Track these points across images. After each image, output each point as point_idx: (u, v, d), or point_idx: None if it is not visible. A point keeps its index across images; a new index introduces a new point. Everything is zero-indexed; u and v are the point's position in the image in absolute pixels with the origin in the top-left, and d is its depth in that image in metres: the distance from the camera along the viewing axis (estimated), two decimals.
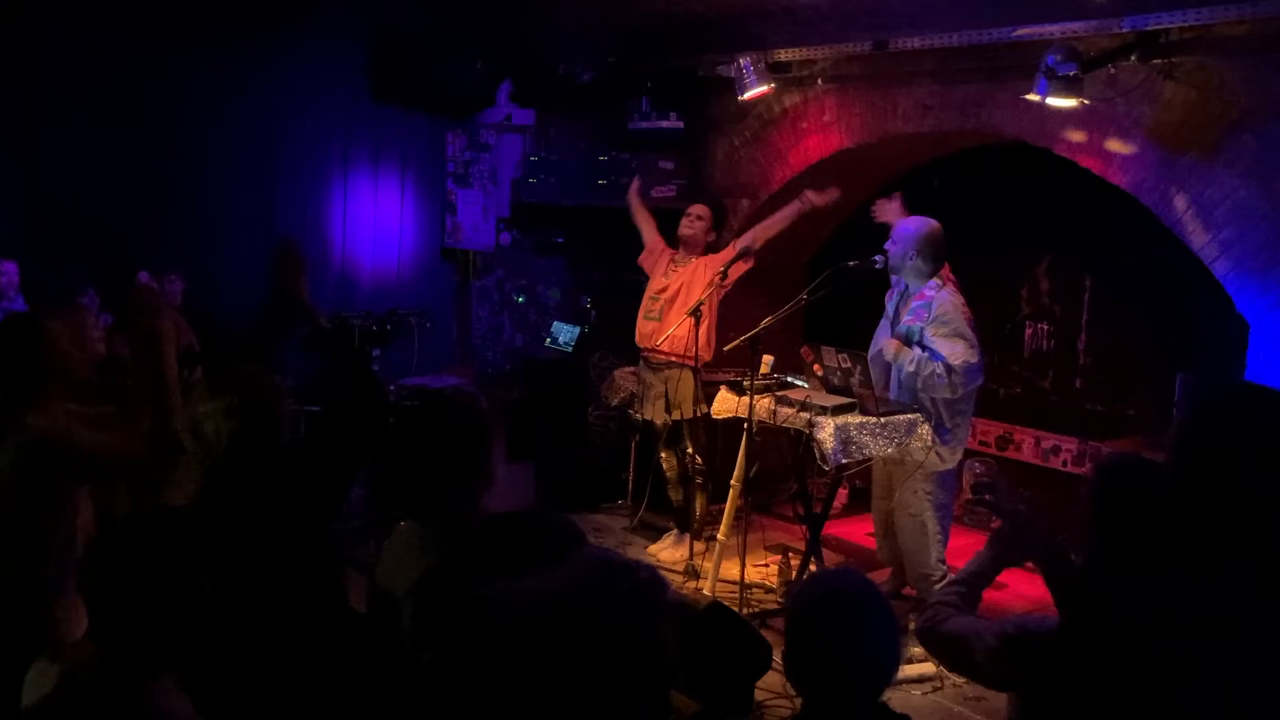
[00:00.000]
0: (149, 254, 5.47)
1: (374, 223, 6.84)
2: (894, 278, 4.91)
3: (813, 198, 5.46)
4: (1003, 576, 5.28)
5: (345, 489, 3.39)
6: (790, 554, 5.36)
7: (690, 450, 5.68)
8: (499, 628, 1.53)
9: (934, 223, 4.77)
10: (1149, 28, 4.37)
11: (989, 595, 2.37)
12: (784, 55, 5.92)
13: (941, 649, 2.24)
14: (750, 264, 5.50)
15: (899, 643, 1.93)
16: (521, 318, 7.18)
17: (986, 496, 2.43)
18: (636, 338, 5.74)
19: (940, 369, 4.54)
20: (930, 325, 4.61)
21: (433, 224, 7.13)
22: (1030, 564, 2.38)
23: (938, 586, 4.71)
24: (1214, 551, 1.84)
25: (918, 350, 4.63)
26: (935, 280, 4.71)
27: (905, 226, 4.81)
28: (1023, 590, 5.12)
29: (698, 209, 5.78)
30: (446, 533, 2.24)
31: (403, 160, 6.96)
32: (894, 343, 4.72)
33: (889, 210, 5.12)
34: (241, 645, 2.55)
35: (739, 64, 5.89)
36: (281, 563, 2.57)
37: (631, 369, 5.92)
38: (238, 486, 2.60)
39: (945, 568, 4.78)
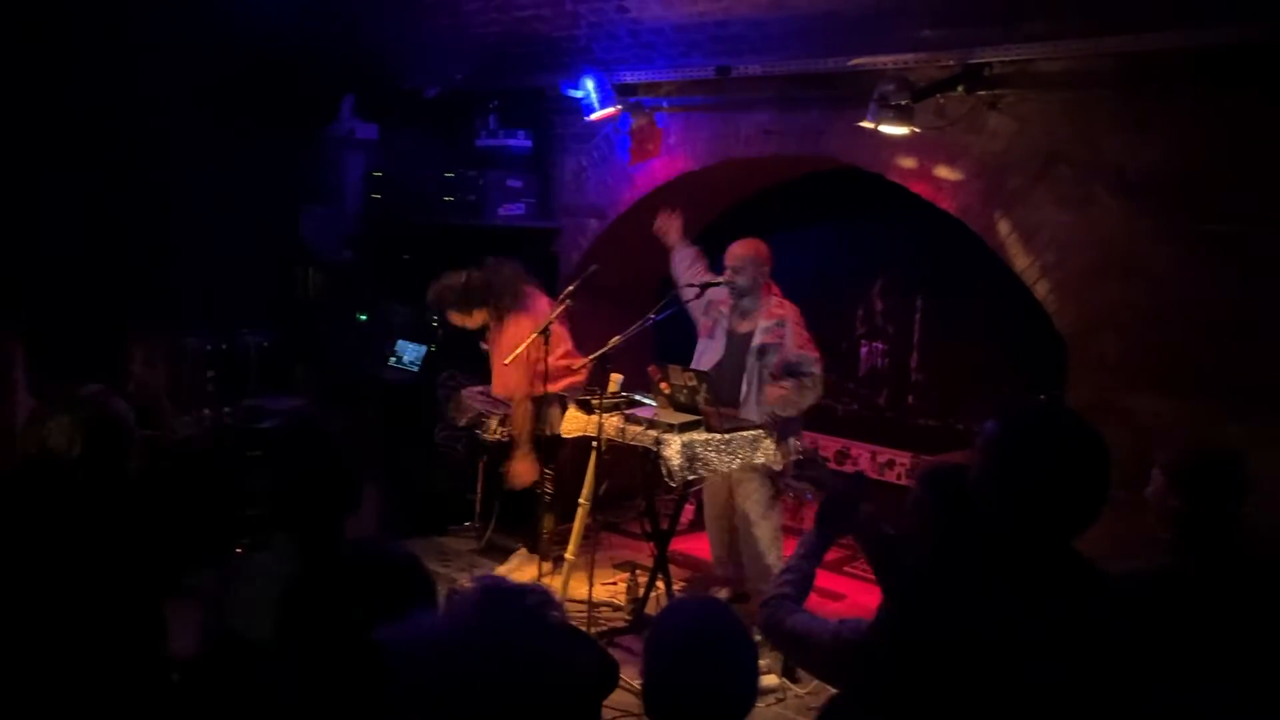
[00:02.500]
0: None
1: (215, 236, 6.58)
2: (713, 296, 5.16)
3: None
4: (842, 586, 5.46)
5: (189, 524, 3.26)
6: (638, 571, 5.39)
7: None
8: (401, 675, 1.48)
9: (759, 240, 5.11)
10: (974, 61, 4.61)
11: (830, 606, 2.45)
12: (629, 78, 6.00)
13: (783, 644, 2.36)
14: None
15: (758, 672, 1.98)
16: (365, 336, 7.00)
17: (808, 471, 2.52)
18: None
19: (809, 381, 4.92)
20: (792, 341, 4.95)
21: (274, 239, 6.91)
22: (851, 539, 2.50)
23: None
24: (1013, 559, 1.95)
25: (788, 382, 4.94)
26: (773, 296, 5.03)
27: (742, 251, 5.03)
28: (860, 600, 5.27)
29: None
30: (311, 565, 2.17)
31: (246, 173, 6.72)
32: (776, 392, 4.95)
33: (671, 226, 5.45)
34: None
35: (585, 85, 5.93)
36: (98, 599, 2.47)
37: (480, 388, 5.84)
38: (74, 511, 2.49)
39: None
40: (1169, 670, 2.43)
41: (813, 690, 4.40)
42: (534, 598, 1.58)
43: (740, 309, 5.08)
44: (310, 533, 2.32)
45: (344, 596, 1.75)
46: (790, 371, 4.96)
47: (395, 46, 6.75)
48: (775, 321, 4.97)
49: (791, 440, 4.98)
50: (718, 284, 5.06)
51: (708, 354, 5.16)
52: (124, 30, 6.01)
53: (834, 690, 2.40)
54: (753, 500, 4.96)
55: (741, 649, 1.91)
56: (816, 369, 4.96)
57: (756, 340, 4.98)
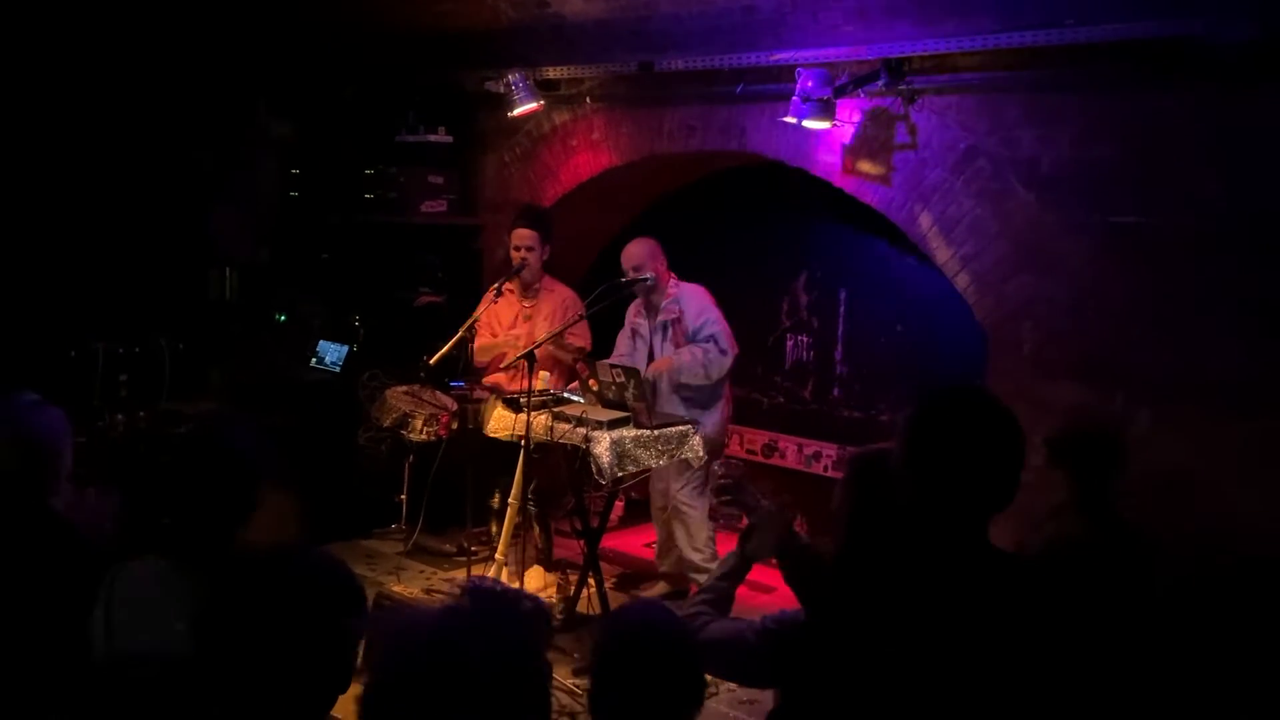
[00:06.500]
0: None
1: (126, 237, 6.37)
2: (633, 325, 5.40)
3: None
4: (772, 579, 5.47)
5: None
6: (568, 570, 5.36)
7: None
8: (382, 666, 1.44)
9: (649, 238, 5.30)
10: (893, 55, 4.66)
11: (759, 599, 2.45)
12: (552, 73, 5.96)
13: (705, 657, 2.30)
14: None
15: (704, 677, 1.99)
16: (284, 337, 6.85)
17: (727, 497, 2.51)
18: (493, 379, 5.45)
19: (713, 349, 5.06)
20: (689, 311, 5.16)
21: (188, 239, 6.72)
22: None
23: (700, 578, 4.91)
24: (938, 539, 1.97)
25: (684, 351, 5.09)
26: (670, 281, 5.26)
27: (639, 251, 5.21)
28: (789, 593, 5.30)
29: (523, 238, 5.36)
30: (213, 572, 2.10)
31: (156, 170, 6.52)
32: (663, 361, 5.12)
33: None
34: None
35: (508, 80, 5.88)
36: None
37: (404, 388, 5.75)
38: None
39: (714, 548, 5.17)
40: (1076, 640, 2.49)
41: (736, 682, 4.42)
42: (528, 604, 1.54)
43: (650, 307, 5.29)
44: (200, 542, 2.25)
45: (264, 605, 1.70)
46: (694, 340, 5.12)
47: (312, 40, 6.61)
48: (672, 299, 5.21)
49: (715, 464, 4.96)
50: (634, 284, 5.14)
51: (629, 352, 5.39)
52: (18, 23, 5.78)
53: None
54: (685, 485, 5.19)
55: (688, 651, 1.94)
56: (717, 330, 5.10)
57: (659, 318, 5.22)
